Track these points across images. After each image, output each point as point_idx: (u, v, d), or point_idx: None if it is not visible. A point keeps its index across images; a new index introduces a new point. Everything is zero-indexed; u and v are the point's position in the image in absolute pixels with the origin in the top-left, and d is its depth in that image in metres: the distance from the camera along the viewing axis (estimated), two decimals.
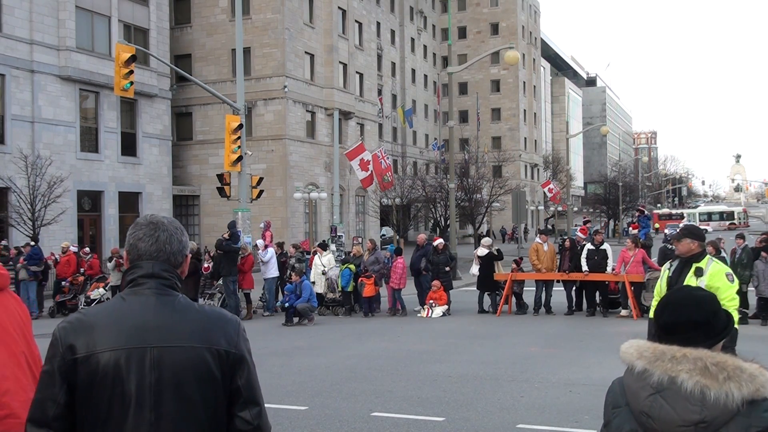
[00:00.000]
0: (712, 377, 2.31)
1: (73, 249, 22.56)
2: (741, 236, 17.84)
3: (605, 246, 18.00)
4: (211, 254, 19.84)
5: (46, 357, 2.46)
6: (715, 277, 6.17)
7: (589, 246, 17.98)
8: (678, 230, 6.90)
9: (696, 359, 2.35)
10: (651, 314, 6.72)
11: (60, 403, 2.38)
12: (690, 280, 6.26)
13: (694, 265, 6.30)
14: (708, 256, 6.45)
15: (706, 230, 73.61)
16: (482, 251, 19.31)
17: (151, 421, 2.37)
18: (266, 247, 20.35)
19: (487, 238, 20.55)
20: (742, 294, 16.84)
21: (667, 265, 6.84)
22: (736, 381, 2.29)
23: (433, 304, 18.46)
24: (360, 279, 19.25)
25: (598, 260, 17.61)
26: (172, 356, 2.41)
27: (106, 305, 2.55)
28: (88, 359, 2.38)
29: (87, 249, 23.52)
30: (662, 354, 2.40)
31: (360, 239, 30.79)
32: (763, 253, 16.41)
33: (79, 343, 2.40)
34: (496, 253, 19.15)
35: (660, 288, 6.61)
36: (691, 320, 2.47)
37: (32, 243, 22.32)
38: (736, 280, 6.49)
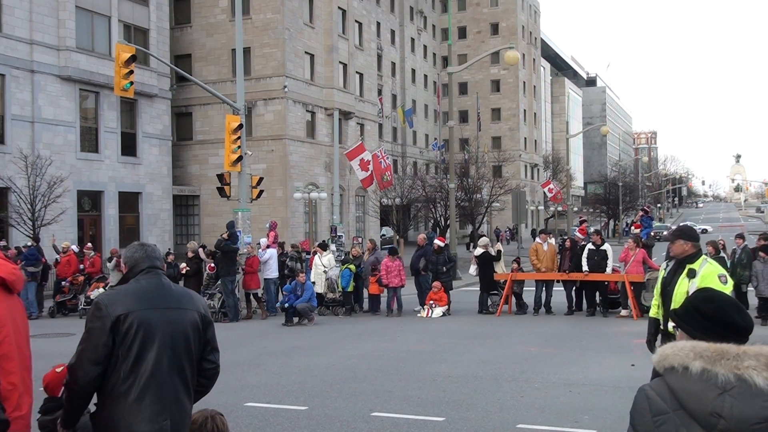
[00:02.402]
0: None
1: (74, 249, 22.55)
2: (741, 236, 17.84)
3: (606, 246, 17.99)
4: (214, 253, 19.69)
5: (94, 316, 3.57)
6: (707, 279, 6.13)
7: (589, 246, 17.98)
8: (672, 231, 6.87)
9: (757, 355, 2.35)
10: (652, 313, 6.69)
11: (109, 346, 3.49)
12: (682, 281, 6.23)
13: (688, 267, 6.27)
14: (703, 257, 6.40)
15: (706, 230, 73.76)
16: (478, 251, 19.31)
17: (169, 355, 3.58)
18: (267, 247, 20.33)
19: (483, 238, 20.55)
20: (742, 294, 16.85)
21: (663, 264, 6.84)
22: None
23: (433, 305, 18.47)
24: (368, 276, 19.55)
25: (598, 260, 17.61)
26: (181, 314, 3.68)
27: (125, 285, 3.76)
28: (127, 316, 3.52)
29: (89, 245, 23.47)
30: (725, 352, 2.37)
31: (360, 239, 30.77)
32: (761, 253, 16.39)
33: (118, 307, 3.54)
34: (494, 253, 19.13)
35: (657, 288, 6.61)
36: (753, 325, 2.56)
37: (30, 243, 22.28)
38: (730, 282, 6.41)
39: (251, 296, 19.75)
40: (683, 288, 6.14)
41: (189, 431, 3.70)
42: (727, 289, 6.16)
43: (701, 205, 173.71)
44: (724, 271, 6.39)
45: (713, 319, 2.51)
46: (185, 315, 3.67)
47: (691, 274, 6.20)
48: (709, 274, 6.20)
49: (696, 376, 2.36)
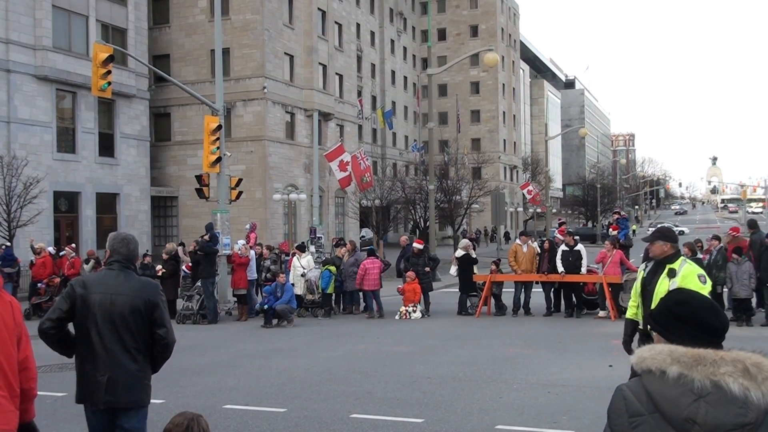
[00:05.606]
0: (752, 378, 2.29)
1: (50, 250, 22.28)
2: (716, 238, 17.98)
3: (579, 247, 18.12)
4: (192, 249, 19.51)
5: (66, 291, 4.95)
6: (688, 279, 6.21)
7: (563, 248, 18.08)
8: (651, 233, 6.96)
9: (735, 361, 2.33)
10: (629, 314, 6.76)
11: (63, 311, 4.86)
12: (663, 281, 6.31)
13: (668, 267, 6.36)
14: (682, 257, 6.50)
15: (683, 231, 74.42)
16: (459, 252, 19.37)
17: (109, 328, 4.83)
18: (250, 248, 20.17)
19: (464, 240, 20.63)
20: (717, 295, 16.98)
21: (642, 265, 6.92)
22: None
23: (410, 294, 18.35)
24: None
25: (572, 261, 17.73)
26: (122, 299, 4.89)
27: (94, 274, 5.86)
28: (84, 295, 4.87)
29: (73, 245, 23.18)
30: (702, 358, 2.35)
31: (339, 240, 30.66)
32: (734, 255, 16.52)
33: (78, 288, 4.91)
34: (474, 256, 19.22)
35: (636, 289, 6.66)
36: (728, 325, 2.55)
37: (7, 244, 22.01)
38: (709, 282, 6.51)
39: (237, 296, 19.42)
40: (664, 287, 6.21)
41: None
42: (706, 289, 6.24)
43: (675, 207, 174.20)
44: (702, 271, 6.48)
45: (688, 321, 2.50)
46: (125, 299, 4.87)
47: (672, 274, 6.29)
48: (689, 274, 6.28)
49: (672, 381, 2.35)
